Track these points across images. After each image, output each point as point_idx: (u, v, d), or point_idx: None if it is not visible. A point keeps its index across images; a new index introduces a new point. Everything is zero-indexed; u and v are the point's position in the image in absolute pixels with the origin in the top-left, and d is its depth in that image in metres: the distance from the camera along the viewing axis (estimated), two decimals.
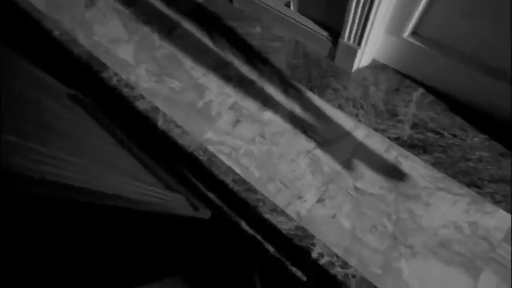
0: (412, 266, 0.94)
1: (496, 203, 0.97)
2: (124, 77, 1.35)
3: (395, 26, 1.02)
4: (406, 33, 1.02)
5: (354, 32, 1.04)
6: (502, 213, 0.96)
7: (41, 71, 0.95)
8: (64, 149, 0.65)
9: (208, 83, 1.29)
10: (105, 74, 1.36)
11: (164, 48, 1.38)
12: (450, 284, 0.91)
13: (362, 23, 0.98)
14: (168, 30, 1.41)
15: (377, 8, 0.91)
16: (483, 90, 1.00)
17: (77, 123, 0.90)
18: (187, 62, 1.33)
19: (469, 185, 1.00)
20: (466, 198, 0.99)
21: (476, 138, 1.05)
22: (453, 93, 1.09)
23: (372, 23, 0.97)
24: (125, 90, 1.32)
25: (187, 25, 1.40)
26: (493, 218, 0.95)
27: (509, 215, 0.95)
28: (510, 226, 0.94)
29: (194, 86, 1.29)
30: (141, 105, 1.28)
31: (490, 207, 0.97)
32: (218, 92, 1.26)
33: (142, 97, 1.30)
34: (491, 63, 0.93)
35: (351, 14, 0.97)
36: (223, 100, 1.25)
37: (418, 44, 1.02)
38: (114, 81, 1.34)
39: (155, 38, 1.40)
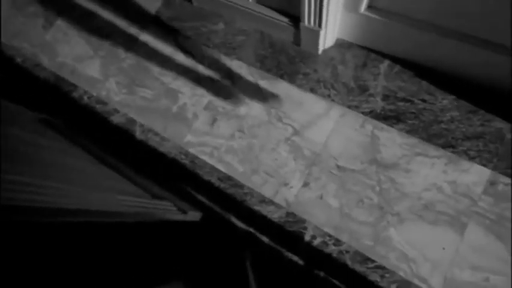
0: (401, 233, 0.97)
1: (471, 159, 1.00)
2: (94, 94, 1.33)
3: (352, 2, 1.03)
4: (363, 8, 1.03)
5: (312, 14, 1.04)
6: (477, 168, 0.99)
7: (5, 100, 0.94)
8: (40, 175, 0.65)
9: (180, 86, 1.28)
10: (75, 94, 1.34)
11: (130, 58, 1.36)
12: (439, 243, 0.94)
13: (318, 3, 0.98)
14: (132, 40, 1.39)
15: None
16: (444, 53, 1.02)
17: (50, 147, 0.90)
18: (156, 69, 1.33)
19: (443, 146, 1.03)
20: (443, 159, 1.02)
21: (445, 100, 1.08)
22: (417, 59, 1.12)
23: (328, 2, 0.98)
24: (98, 107, 1.30)
25: (150, 32, 1.39)
26: (470, 174, 0.99)
27: (485, 169, 0.99)
28: (487, 179, 0.98)
29: (166, 92, 1.28)
30: (116, 119, 1.27)
31: (466, 164, 1.00)
32: (191, 94, 1.26)
33: (117, 111, 1.29)
34: (447, 26, 0.95)
35: None
36: (197, 101, 1.25)
37: (376, 16, 1.03)
38: (85, 99, 1.33)
39: (120, 50, 1.39)
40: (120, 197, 0.85)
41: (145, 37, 1.38)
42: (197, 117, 1.23)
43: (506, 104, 1.03)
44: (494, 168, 0.98)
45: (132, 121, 1.26)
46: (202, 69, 1.29)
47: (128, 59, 1.37)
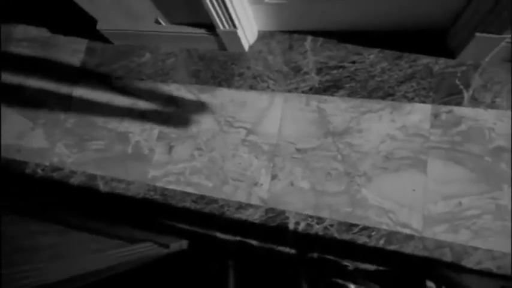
0: (372, 190, 1.01)
1: (411, 100, 1.06)
2: (47, 163, 1.31)
3: None
4: None
5: (222, 17, 1.07)
6: (419, 106, 1.04)
7: None
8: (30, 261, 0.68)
9: (128, 127, 1.28)
10: (28, 170, 1.31)
11: (71, 117, 1.35)
12: (408, 187, 0.99)
13: (222, 6, 1.01)
14: (67, 99, 1.37)
15: None
16: (352, 13, 1.07)
17: (13, 234, 0.88)
18: (100, 119, 1.32)
19: (383, 97, 1.08)
20: (387, 109, 1.07)
21: (372, 55, 1.13)
22: (334, 27, 1.16)
23: (231, 2, 1.01)
24: (54, 175, 1.28)
25: (82, 85, 1.38)
26: (415, 114, 1.04)
27: (426, 105, 1.04)
28: (430, 113, 1.03)
29: (117, 137, 1.28)
30: (76, 180, 1.26)
31: (408, 106, 1.05)
32: (141, 131, 1.26)
33: (74, 172, 1.27)
34: None
35: (208, 3, 0.99)
36: (148, 136, 1.25)
37: (281, 1, 1.07)
38: (39, 172, 1.30)
39: (58, 113, 1.37)
40: (101, 254, 0.86)
41: (79, 91, 1.37)
42: (153, 150, 1.23)
43: (423, 40, 1.09)
44: (433, 102, 1.04)
45: (93, 176, 1.25)
46: (143, 103, 1.29)
47: (69, 118, 1.35)
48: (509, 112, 0.97)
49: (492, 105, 0.99)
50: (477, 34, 0.92)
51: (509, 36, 0.90)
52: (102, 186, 1.23)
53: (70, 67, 1.42)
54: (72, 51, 1.46)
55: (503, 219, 0.91)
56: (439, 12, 1.00)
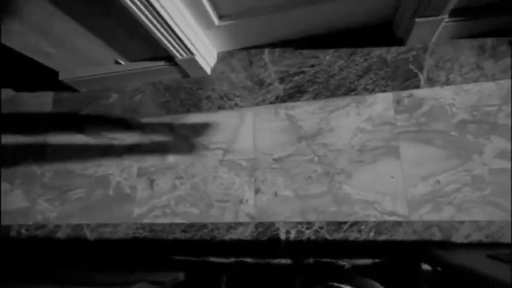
0: (353, 185, 1.03)
1: (372, 91, 1.09)
2: (30, 223, 1.28)
3: (204, 22, 1.10)
4: (216, 21, 1.10)
5: (177, 47, 1.10)
6: (381, 96, 1.08)
7: None
8: None
9: (106, 170, 1.27)
10: (11, 234, 1.28)
11: (48, 171, 1.33)
12: (386, 175, 1.01)
13: (174, 37, 1.04)
14: (41, 152, 1.36)
15: (172, 20, 0.97)
16: (299, 21, 1.12)
17: None
18: (77, 167, 1.31)
19: (346, 93, 1.11)
20: (352, 104, 1.10)
21: (328, 56, 1.17)
22: (287, 36, 1.21)
23: (182, 32, 1.04)
24: (39, 233, 1.26)
25: (54, 136, 1.37)
26: (378, 104, 1.07)
27: (387, 93, 1.08)
28: (392, 100, 1.07)
29: (97, 182, 1.27)
30: (62, 234, 1.23)
31: (370, 98, 1.09)
32: (120, 171, 1.26)
33: (58, 226, 1.25)
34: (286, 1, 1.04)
35: (160, 37, 1.02)
36: (128, 174, 1.24)
37: (231, 22, 1.11)
38: (24, 232, 1.27)
39: (34, 168, 1.35)
40: None
41: (52, 144, 1.36)
42: (135, 188, 1.22)
43: (373, 34, 1.14)
44: (393, 89, 1.08)
45: (78, 227, 1.23)
46: (118, 143, 1.29)
47: (45, 172, 1.33)
48: (464, 86, 1.02)
49: (447, 82, 1.03)
50: (417, 20, 0.97)
51: (447, 16, 0.96)
52: (89, 235, 1.21)
53: (40, 121, 1.42)
54: (39, 105, 1.46)
55: (481, 188, 0.93)
56: (380, 6, 1.05)
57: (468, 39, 1.06)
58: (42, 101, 1.46)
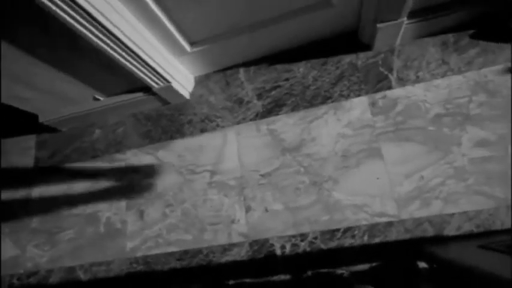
0: (341, 190, 1.03)
1: (347, 97, 1.12)
2: (22, 271, 1.24)
3: (176, 50, 1.12)
4: (188, 49, 1.13)
5: (152, 77, 1.11)
6: (356, 101, 1.11)
7: None
8: None
9: (95, 207, 1.26)
10: (3, 286, 1.24)
11: (36, 216, 1.31)
12: (372, 177, 1.02)
13: (148, 68, 1.06)
14: (27, 202, 1.34)
15: (144, 53, 0.99)
16: (270, 38, 1.15)
17: None
18: (64, 208, 1.29)
19: (323, 102, 1.14)
20: (330, 112, 1.12)
21: (301, 68, 1.20)
22: (260, 54, 1.24)
23: (156, 62, 1.06)
24: (31, 280, 1.22)
25: (40, 182, 1.36)
26: (355, 109, 1.10)
27: (362, 97, 1.10)
28: (368, 103, 1.09)
29: (86, 220, 1.25)
30: (54, 279, 1.20)
31: (347, 104, 1.11)
32: (109, 206, 1.24)
33: (50, 271, 1.21)
34: (253, 21, 1.07)
35: (134, 70, 1.04)
36: (117, 209, 1.23)
37: (203, 47, 1.14)
38: (16, 282, 1.23)
39: (22, 215, 1.33)
40: None
41: (38, 190, 1.35)
42: (126, 222, 1.20)
43: (341, 42, 1.18)
44: (367, 93, 1.10)
45: (71, 269, 1.20)
46: (104, 178, 1.28)
47: (33, 218, 1.31)
48: (434, 81, 1.05)
49: (417, 80, 1.07)
50: (378, 25, 1.01)
51: (406, 18, 1.00)
52: (83, 276, 1.17)
53: (24, 167, 1.40)
54: (22, 150, 1.45)
55: (464, 179, 0.94)
56: (343, 17, 1.09)
57: (431, 37, 1.11)
58: (25, 145, 1.46)
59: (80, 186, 1.30)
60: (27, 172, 1.39)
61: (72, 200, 1.29)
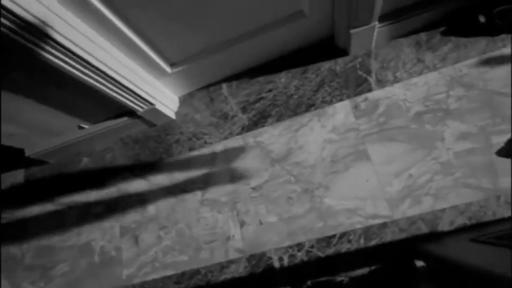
0: (333, 196, 1.03)
1: (330, 103, 1.13)
2: None
3: (157, 73, 1.13)
4: (169, 70, 1.14)
5: (137, 102, 1.12)
6: (339, 106, 1.12)
7: None
8: None
9: (88, 235, 1.23)
10: None
11: (28, 251, 1.28)
12: (361, 180, 1.02)
13: (130, 93, 1.06)
14: (20, 233, 1.31)
15: (125, 79, 1.00)
16: (248, 52, 1.17)
17: None
18: (57, 240, 1.26)
19: (307, 110, 1.15)
20: (314, 119, 1.13)
21: (282, 79, 1.22)
22: (240, 68, 1.26)
23: (137, 86, 1.07)
24: None
25: (30, 214, 1.33)
26: (338, 113, 1.11)
27: (344, 102, 1.12)
28: (351, 107, 1.11)
29: (79, 251, 1.22)
30: None
31: (330, 109, 1.13)
32: (102, 234, 1.22)
33: None
34: (229, 37, 1.09)
35: (117, 96, 1.04)
36: (111, 236, 1.21)
37: (183, 67, 1.15)
38: None
39: (15, 252, 1.30)
40: None
41: (32, 221, 1.32)
42: (120, 249, 1.18)
43: (319, 50, 1.20)
44: (348, 97, 1.12)
45: None
46: (95, 205, 1.27)
47: (26, 253, 1.28)
48: (411, 80, 1.07)
49: (396, 80, 1.09)
50: (352, 31, 1.03)
51: (377, 22, 1.03)
52: None
53: (12, 201, 1.38)
54: (12, 184, 1.43)
55: (451, 173, 0.95)
56: (317, 26, 1.12)
57: (405, 38, 1.13)
58: (13, 181, 1.44)
59: (71, 216, 1.27)
60: (17, 204, 1.36)
61: (64, 231, 1.26)
